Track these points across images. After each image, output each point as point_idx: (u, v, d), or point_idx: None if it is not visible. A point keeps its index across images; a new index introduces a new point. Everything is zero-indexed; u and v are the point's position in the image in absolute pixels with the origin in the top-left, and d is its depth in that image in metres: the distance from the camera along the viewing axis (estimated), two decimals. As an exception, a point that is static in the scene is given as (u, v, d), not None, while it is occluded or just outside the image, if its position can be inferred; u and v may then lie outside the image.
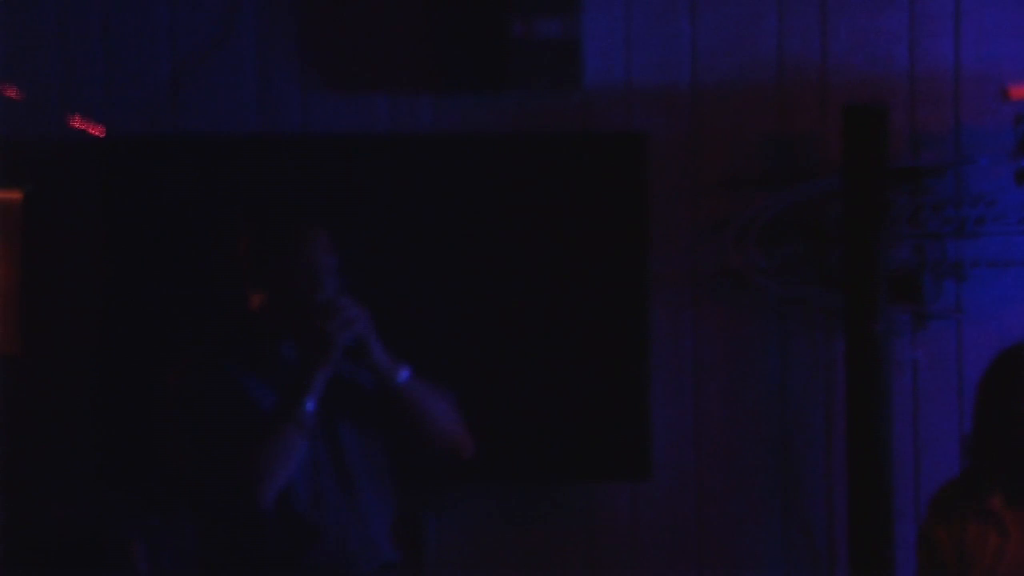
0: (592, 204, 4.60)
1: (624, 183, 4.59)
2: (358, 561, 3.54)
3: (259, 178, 4.56)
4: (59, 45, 4.70)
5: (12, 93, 4.20)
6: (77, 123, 4.28)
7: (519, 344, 4.61)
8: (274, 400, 3.47)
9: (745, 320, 4.70)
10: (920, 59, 4.66)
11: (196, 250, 4.55)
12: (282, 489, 3.43)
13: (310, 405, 3.42)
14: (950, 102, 4.64)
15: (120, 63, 4.72)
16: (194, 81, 4.74)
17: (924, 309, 4.60)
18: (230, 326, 3.62)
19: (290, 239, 3.51)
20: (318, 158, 4.61)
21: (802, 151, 4.66)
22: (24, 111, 4.69)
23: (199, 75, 4.72)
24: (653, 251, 4.62)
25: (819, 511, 4.64)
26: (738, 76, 4.71)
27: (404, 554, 3.80)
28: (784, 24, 4.69)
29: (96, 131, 4.28)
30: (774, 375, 4.70)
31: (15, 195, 4.61)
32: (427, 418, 3.58)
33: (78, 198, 4.68)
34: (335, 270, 3.51)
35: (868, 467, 4.39)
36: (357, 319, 3.45)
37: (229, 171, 4.59)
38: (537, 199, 4.61)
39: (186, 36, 4.72)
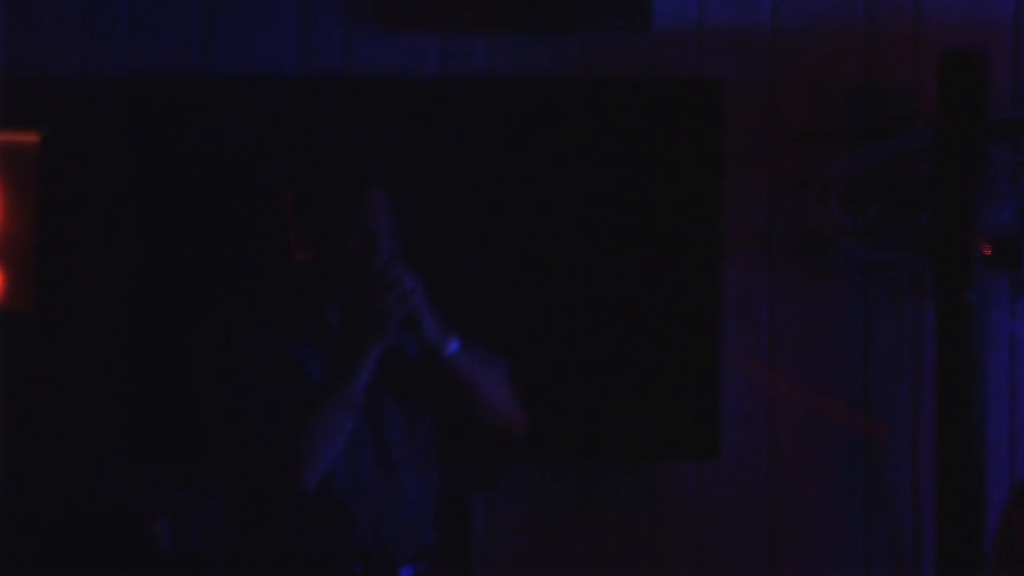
0: (661, 157, 4.63)
1: (696, 134, 4.62)
2: (395, 547, 3.43)
3: (297, 123, 4.59)
4: (81, -25, 4.83)
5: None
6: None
7: (578, 309, 4.62)
8: (321, 368, 3.43)
9: (825, 286, 4.72)
10: (1025, 2, 4.73)
11: (228, 199, 4.60)
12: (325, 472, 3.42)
13: (361, 384, 3.35)
14: None
15: (147, -4, 4.86)
16: (227, 17, 4.76)
17: (1023, 277, 4.63)
18: (272, 284, 3.56)
19: (348, 200, 3.43)
20: (361, 103, 4.62)
21: (893, 101, 4.67)
22: (42, 47, 4.72)
23: (232, 11, 4.74)
24: (726, 209, 4.64)
25: (903, 497, 4.66)
26: (822, 18, 4.73)
27: (448, 538, 3.92)
28: (875, -39, 4.80)
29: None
30: (856, 347, 4.71)
31: (31, 138, 4.61)
32: (476, 393, 3.48)
33: (99, 142, 4.70)
34: (393, 234, 3.43)
35: (959, 449, 4.42)
36: (412, 292, 3.38)
37: (265, 116, 4.62)
38: (600, 151, 4.63)
39: (219, -33, 4.83)
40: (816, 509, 4.71)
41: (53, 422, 4.72)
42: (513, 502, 4.71)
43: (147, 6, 4.76)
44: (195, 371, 3.48)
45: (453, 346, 3.42)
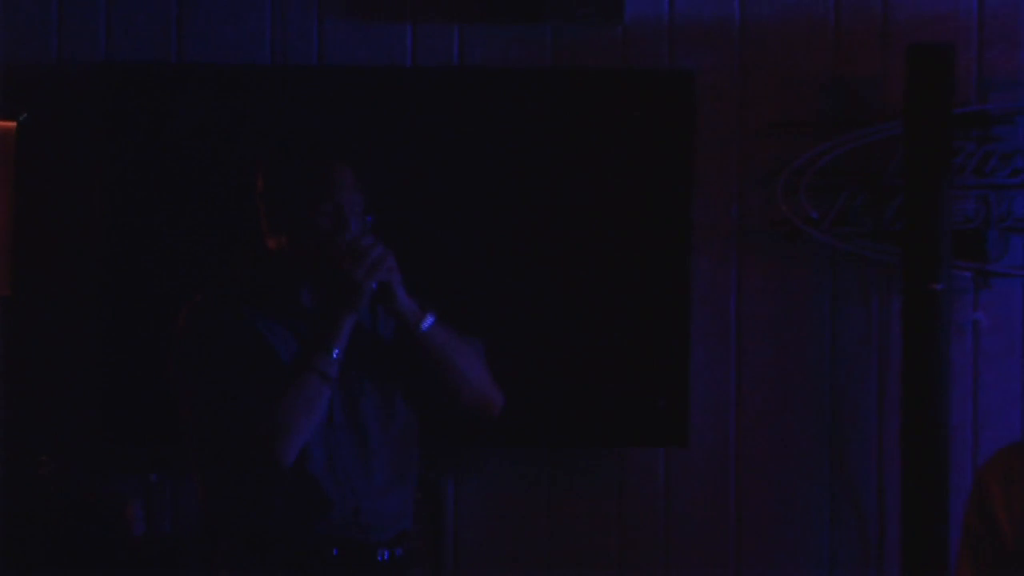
0: (633, 147, 4.64)
1: (667, 125, 4.63)
2: (372, 531, 3.47)
3: (271, 112, 4.59)
4: (57, -37, 4.82)
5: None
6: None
7: (549, 297, 4.64)
8: (295, 349, 3.48)
9: (794, 276, 4.75)
10: (989, -2, 4.78)
11: (203, 187, 4.59)
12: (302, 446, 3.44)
13: (336, 353, 3.39)
14: (1022, 43, 4.70)
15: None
16: (203, 5, 4.76)
17: (988, 267, 4.65)
18: (245, 267, 3.60)
19: (314, 177, 3.48)
20: (335, 92, 4.63)
21: (861, 93, 4.70)
22: (19, 34, 4.71)
23: None
24: (697, 199, 4.65)
25: (869, 484, 4.68)
26: (792, 11, 4.75)
27: (421, 522, 3.89)
28: (844, -45, 4.84)
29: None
30: (824, 336, 4.74)
31: (8, 124, 4.58)
32: (452, 369, 3.51)
33: (76, 129, 4.70)
34: (361, 210, 3.49)
35: (923, 436, 4.44)
36: (382, 261, 3.43)
37: (239, 104, 4.61)
38: (573, 141, 4.64)
39: (194, -44, 4.82)
40: (782, 495, 4.72)
41: (28, 407, 4.71)
42: (487, 487, 4.71)
43: (122, -4, 4.84)
44: (171, 355, 3.48)
45: (428, 320, 3.45)
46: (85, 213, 4.67)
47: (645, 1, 4.70)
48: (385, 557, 3.46)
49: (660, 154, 4.62)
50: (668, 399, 4.61)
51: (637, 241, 4.62)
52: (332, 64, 4.73)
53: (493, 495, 4.72)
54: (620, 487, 4.72)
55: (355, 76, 4.66)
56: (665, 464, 4.72)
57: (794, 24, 4.71)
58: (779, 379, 4.73)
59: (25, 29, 4.72)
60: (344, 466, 3.44)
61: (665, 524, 4.73)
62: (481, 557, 4.72)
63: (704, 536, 4.73)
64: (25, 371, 4.72)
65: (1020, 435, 4.26)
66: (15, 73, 4.69)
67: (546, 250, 4.63)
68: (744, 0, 4.73)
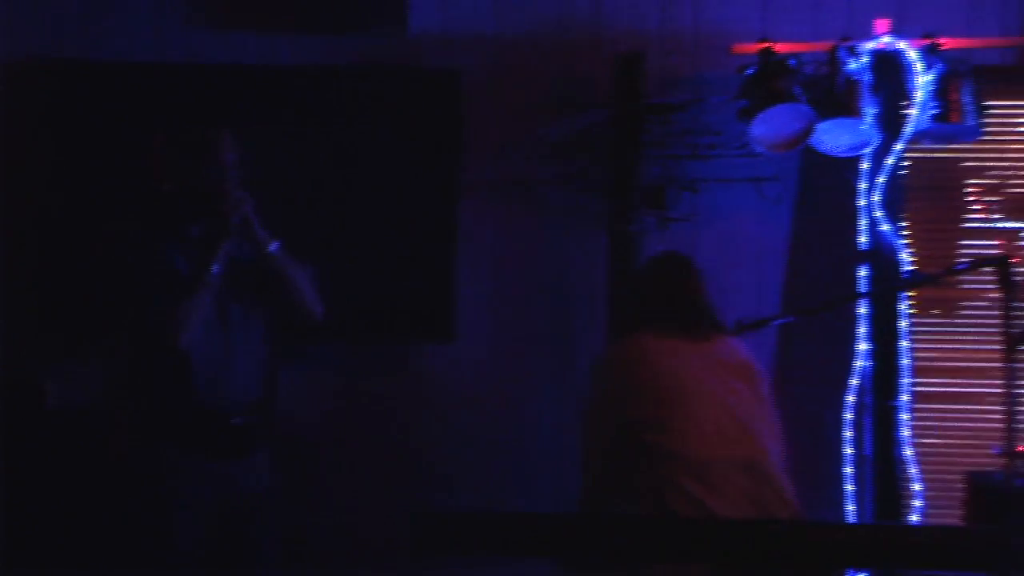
0: (417, 125, 4.98)
1: (442, 109, 4.99)
2: (231, 399, 3.91)
3: (153, 95, 4.92)
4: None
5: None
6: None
7: (356, 234, 4.98)
8: (187, 266, 3.87)
9: (533, 219, 5.15)
10: (669, 20, 5.13)
11: (113, 150, 4.86)
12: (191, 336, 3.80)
13: (216, 269, 3.88)
14: (691, 53, 5.09)
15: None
16: (99, 16, 5.06)
17: (667, 214, 5.05)
18: (148, 208, 3.97)
19: (203, 140, 3.83)
20: (199, 83, 4.97)
21: (581, 88, 5.08)
22: None
23: (103, 11, 5.07)
24: (464, 164, 5.05)
25: (584, 365, 4.68)
26: (531, 26, 5.12)
27: (263, 394, 4.07)
28: (566, -15, 5.05)
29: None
30: (556, 262, 5.15)
31: None
32: (290, 283, 3.96)
33: (15, 110, 4.99)
34: (236, 165, 3.88)
35: (619, 330, 4.43)
36: (243, 201, 3.87)
37: (128, 89, 4.95)
38: (373, 120, 4.98)
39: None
40: (523, 377, 5.14)
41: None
42: (307, 373, 5.04)
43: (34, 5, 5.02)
44: (99, 272, 3.95)
45: (275, 245, 3.91)
46: (29, 166, 4.93)
47: (426, 17, 5.07)
48: (239, 422, 3.90)
49: (437, 130, 4.95)
50: (440, 308, 5.00)
51: (420, 194, 4.96)
52: (197, 62, 5.03)
53: (314, 379, 5.05)
54: (405, 372, 5.10)
55: (215, 71, 4.96)
56: (437, 355, 5.11)
57: (533, 35, 5.08)
58: (523, 293, 5.11)
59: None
60: (214, 354, 3.86)
61: (439, 398, 5.12)
62: (302, 425, 5.02)
63: (468, 406, 5.12)
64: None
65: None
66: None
67: (356, 199, 4.91)
68: (497, 17, 5.08)
